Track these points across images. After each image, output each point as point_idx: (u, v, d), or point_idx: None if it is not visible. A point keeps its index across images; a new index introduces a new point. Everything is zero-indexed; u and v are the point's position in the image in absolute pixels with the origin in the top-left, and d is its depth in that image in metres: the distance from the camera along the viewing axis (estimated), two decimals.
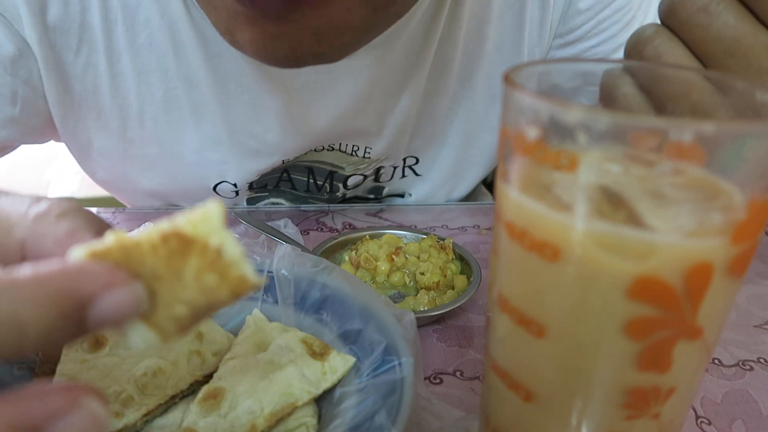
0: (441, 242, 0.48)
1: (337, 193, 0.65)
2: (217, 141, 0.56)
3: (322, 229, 0.58)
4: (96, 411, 0.16)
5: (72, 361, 0.30)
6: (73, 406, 0.16)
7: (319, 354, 0.31)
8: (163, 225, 0.18)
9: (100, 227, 0.21)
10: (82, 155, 0.58)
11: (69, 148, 0.58)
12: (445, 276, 0.45)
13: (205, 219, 0.18)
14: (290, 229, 0.51)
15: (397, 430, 0.25)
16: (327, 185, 0.64)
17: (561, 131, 0.18)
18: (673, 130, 0.17)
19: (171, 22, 0.49)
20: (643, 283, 0.18)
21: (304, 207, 0.64)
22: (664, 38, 0.32)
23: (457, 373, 0.38)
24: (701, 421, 0.35)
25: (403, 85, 0.56)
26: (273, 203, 0.66)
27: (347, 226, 0.59)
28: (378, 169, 0.64)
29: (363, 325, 0.32)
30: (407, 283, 0.45)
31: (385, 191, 0.68)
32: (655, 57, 0.32)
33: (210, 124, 0.55)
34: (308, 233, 0.57)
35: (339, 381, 0.31)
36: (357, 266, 0.46)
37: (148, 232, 0.18)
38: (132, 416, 0.28)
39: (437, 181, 0.66)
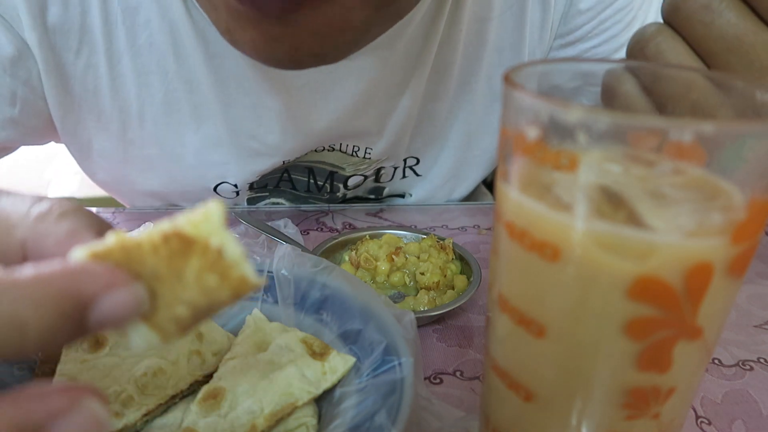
0: (441, 242, 0.48)
1: (338, 194, 0.65)
2: (217, 142, 0.56)
3: (322, 229, 0.58)
4: (96, 411, 0.16)
5: (72, 361, 0.30)
6: (73, 406, 0.16)
7: (319, 354, 0.31)
8: (164, 225, 0.18)
9: (101, 227, 0.21)
10: (82, 156, 0.58)
11: (69, 149, 0.58)
12: (445, 276, 0.45)
13: (206, 219, 0.18)
14: (290, 229, 0.51)
15: (397, 430, 0.25)
16: (327, 185, 0.64)
17: (561, 131, 0.18)
18: (673, 130, 0.17)
19: (171, 23, 0.49)
20: (643, 283, 0.18)
21: (304, 207, 0.64)
22: (666, 36, 0.32)
23: (457, 373, 0.38)
24: (701, 421, 0.35)
25: (403, 86, 0.56)
26: (273, 203, 0.66)
27: (347, 226, 0.59)
28: (378, 170, 0.64)
29: (363, 325, 0.32)
30: (407, 283, 0.45)
31: (386, 192, 0.68)
32: (657, 54, 0.32)
33: (210, 125, 0.55)
34: (308, 233, 0.57)
35: (339, 381, 0.31)
36: (357, 266, 0.46)
37: (149, 232, 0.18)
38: (132, 416, 0.28)
39: (438, 182, 0.66)
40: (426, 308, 0.42)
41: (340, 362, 0.31)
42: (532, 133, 0.19)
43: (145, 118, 0.54)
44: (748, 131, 0.18)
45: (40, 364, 0.31)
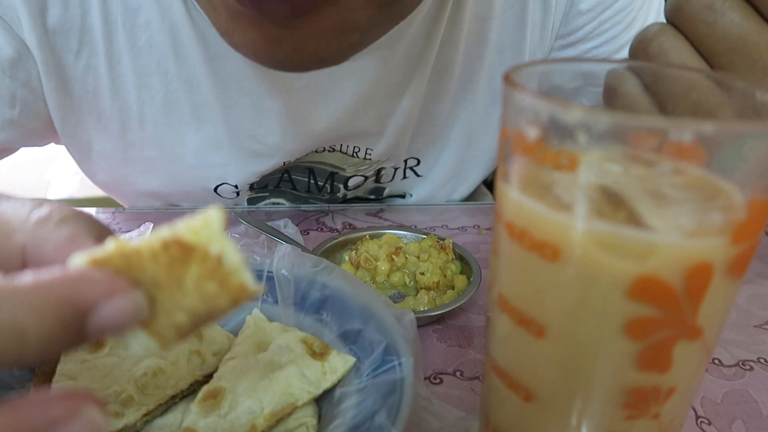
0: (441, 242, 0.48)
1: (338, 194, 0.65)
2: (217, 143, 0.56)
3: (322, 229, 0.58)
4: (96, 419, 0.16)
5: (72, 361, 0.30)
6: (73, 414, 0.16)
7: (319, 354, 0.31)
8: (164, 232, 0.18)
9: (100, 233, 0.21)
10: (82, 157, 0.58)
11: (69, 150, 0.58)
12: (445, 276, 0.45)
13: (205, 226, 0.18)
14: (290, 229, 0.51)
15: (397, 430, 0.25)
16: (328, 186, 0.64)
17: (561, 131, 0.18)
18: (673, 130, 0.17)
19: (171, 24, 0.49)
20: (643, 283, 0.18)
21: (304, 207, 0.64)
22: (669, 35, 0.32)
23: (457, 373, 0.38)
24: (701, 421, 0.35)
25: (404, 86, 0.56)
26: (273, 203, 0.66)
27: (347, 226, 0.59)
28: (379, 170, 0.64)
29: (363, 325, 0.32)
30: (407, 283, 0.45)
31: (386, 192, 0.68)
32: (659, 54, 0.32)
33: (210, 126, 0.55)
34: (308, 233, 0.57)
35: (339, 381, 0.31)
36: (357, 266, 0.46)
37: (148, 239, 0.18)
38: (132, 416, 0.28)
39: (438, 182, 0.66)
40: (426, 308, 0.42)
41: (340, 362, 0.31)
42: (532, 133, 0.19)
43: (145, 119, 0.54)
44: (748, 131, 0.18)
45: (40, 365, 0.31)
